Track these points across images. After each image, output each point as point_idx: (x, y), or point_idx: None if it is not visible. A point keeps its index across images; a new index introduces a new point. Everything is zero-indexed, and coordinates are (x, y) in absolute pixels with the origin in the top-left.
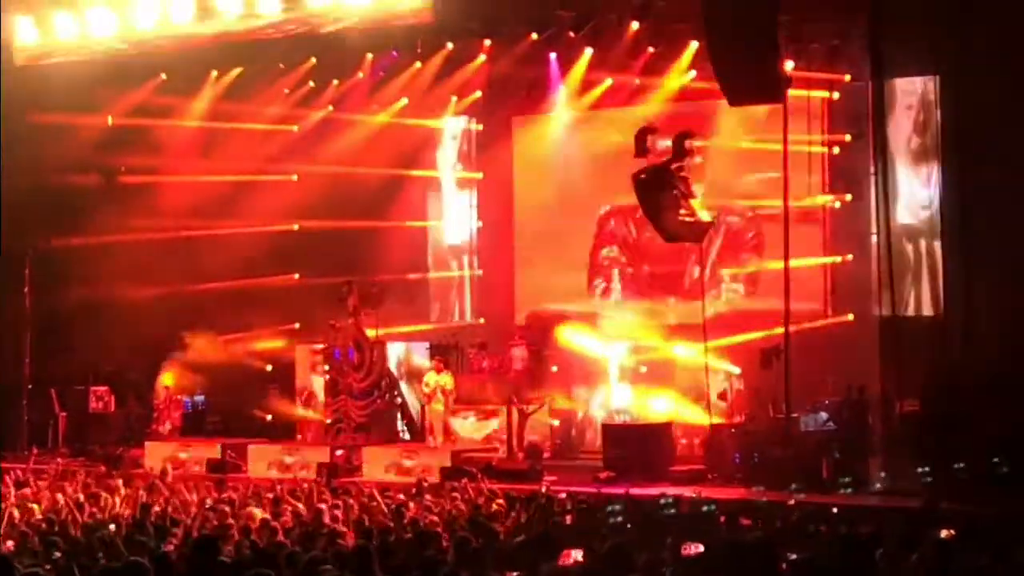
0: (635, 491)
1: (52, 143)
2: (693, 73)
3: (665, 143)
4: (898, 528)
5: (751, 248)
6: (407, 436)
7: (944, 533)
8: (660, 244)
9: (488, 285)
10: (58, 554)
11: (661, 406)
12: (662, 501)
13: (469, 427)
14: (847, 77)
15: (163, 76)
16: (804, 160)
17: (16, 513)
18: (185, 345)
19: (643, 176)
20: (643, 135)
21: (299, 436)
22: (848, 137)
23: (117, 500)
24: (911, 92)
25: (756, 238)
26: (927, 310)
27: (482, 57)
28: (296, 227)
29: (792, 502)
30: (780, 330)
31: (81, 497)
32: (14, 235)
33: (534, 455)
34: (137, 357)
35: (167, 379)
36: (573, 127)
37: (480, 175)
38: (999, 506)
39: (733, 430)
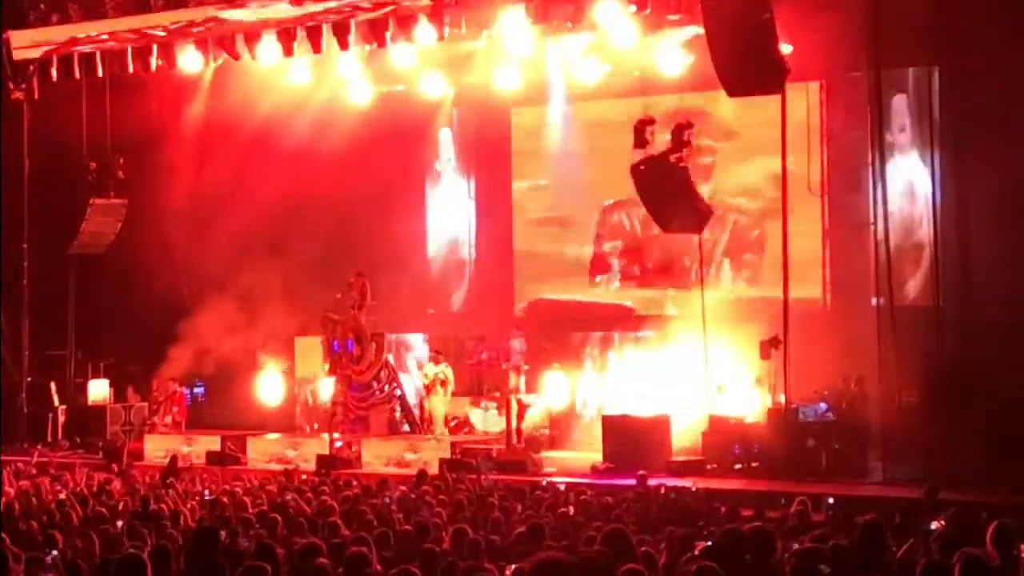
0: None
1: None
2: (692, 62)
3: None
4: (897, 518)
5: (755, 244)
6: (406, 427)
7: (935, 524)
8: (663, 237)
9: (487, 275)
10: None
11: (660, 397)
12: None
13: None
14: (845, 67)
15: (160, 62)
16: (803, 150)
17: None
18: (185, 337)
19: (642, 167)
20: (642, 126)
21: None
22: (846, 127)
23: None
24: (909, 82)
25: (759, 234)
26: (926, 300)
27: (482, 43)
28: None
29: (792, 492)
30: (779, 321)
31: (84, 490)
32: (13, 231)
33: (533, 446)
34: (136, 350)
35: (174, 371)
36: (571, 117)
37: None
38: (999, 496)
39: (733, 421)
